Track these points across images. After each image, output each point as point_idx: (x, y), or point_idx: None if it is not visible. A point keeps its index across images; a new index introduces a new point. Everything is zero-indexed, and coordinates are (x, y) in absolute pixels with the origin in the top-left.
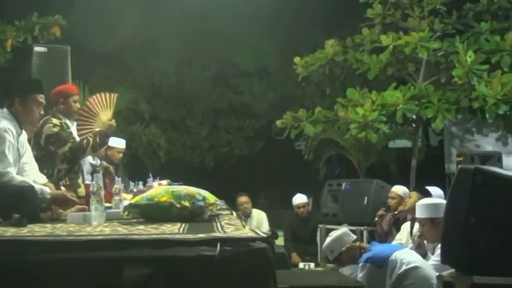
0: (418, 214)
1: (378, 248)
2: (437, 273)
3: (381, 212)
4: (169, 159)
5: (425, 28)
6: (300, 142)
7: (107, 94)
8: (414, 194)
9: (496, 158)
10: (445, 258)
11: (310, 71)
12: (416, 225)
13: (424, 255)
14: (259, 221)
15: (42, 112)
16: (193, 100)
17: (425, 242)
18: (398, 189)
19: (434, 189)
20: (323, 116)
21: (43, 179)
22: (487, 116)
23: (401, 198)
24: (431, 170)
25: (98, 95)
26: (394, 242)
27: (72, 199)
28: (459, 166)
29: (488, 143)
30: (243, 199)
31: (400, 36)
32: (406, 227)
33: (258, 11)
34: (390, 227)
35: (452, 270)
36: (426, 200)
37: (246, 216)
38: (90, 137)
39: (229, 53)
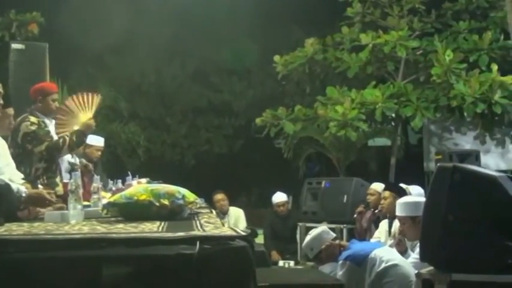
0: (398, 212)
1: (357, 246)
2: (417, 271)
3: (360, 208)
4: (148, 158)
5: (404, 27)
6: (280, 140)
7: (90, 94)
8: (388, 194)
9: (474, 156)
10: (424, 256)
11: (290, 70)
12: (396, 223)
13: (404, 252)
14: (237, 219)
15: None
16: (173, 98)
17: (405, 239)
18: (377, 186)
19: (414, 188)
20: (303, 114)
21: (20, 177)
22: (465, 114)
23: (380, 195)
24: (411, 168)
25: (80, 94)
26: (372, 240)
27: (49, 198)
28: (438, 164)
29: (466, 142)
30: (219, 196)
31: (379, 35)
32: (384, 224)
33: (238, 8)
34: (369, 224)
35: (431, 267)
36: (406, 198)
37: (223, 214)
38: (67, 136)
39: (209, 51)
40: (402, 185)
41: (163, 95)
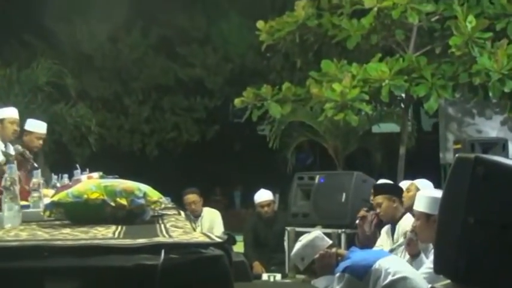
0: (416, 205)
1: (358, 255)
2: (430, 285)
3: (362, 212)
4: (101, 147)
5: None
6: (264, 126)
7: None
8: (381, 199)
9: (500, 146)
10: (439, 267)
11: (276, 39)
12: (400, 227)
13: (416, 256)
14: (212, 222)
15: None
16: (132, 73)
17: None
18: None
19: (422, 182)
20: (292, 93)
21: None
22: (491, 94)
23: None
24: (424, 160)
25: None
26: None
27: None
28: (456, 155)
29: (491, 128)
30: (192, 197)
31: None
32: (386, 230)
33: None
34: (374, 230)
35: (448, 281)
36: (428, 192)
37: (195, 217)
38: None
39: (176, 15)
40: (404, 182)
41: (119, 69)
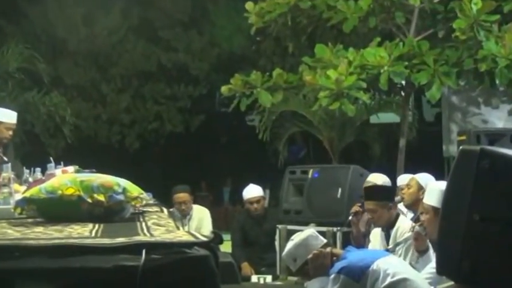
0: (425, 199)
1: (355, 255)
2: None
3: (355, 208)
4: (77, 138)
5: None
6: (253, 116)
7: None
8: (373, 206)
9: (508, 137)
10: (442, 267)
11: (267, 21)
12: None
13: (424, 252)
14: (200, 221)
15: None
16: (110, 59)
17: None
18: (377, 178)
19: (424, 177)
20: (283, 81)
21: None
22: (498, 82)
23: None
24: (426, 153)
25: None
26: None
27: None
28: (461, 147)
29: (498, 118)
30: (182, 196)
31: None
32: (376, 234)
33: None
34: (368, 227)
35: (451, 283)
36: (438, 184)
37: (183, 216)
38: None
39: None
40: (403, 176)
41: (97, 54)
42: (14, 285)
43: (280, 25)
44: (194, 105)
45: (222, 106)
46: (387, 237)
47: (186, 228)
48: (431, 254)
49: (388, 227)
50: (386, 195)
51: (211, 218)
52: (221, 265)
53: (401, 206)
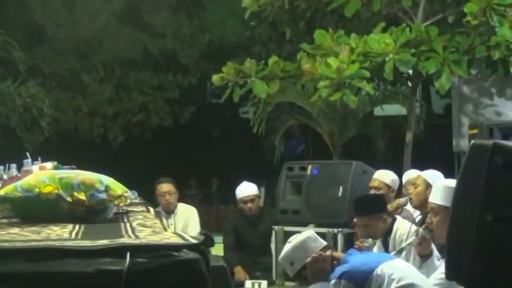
0: (432, 198)
1: (357, 259)
2: None
3: None
4: (56, 132)
5: None
6: (247, 108)
7: None
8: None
9: None
10: (452, 273)
11: (262, 5)
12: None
13: (427, 257)
14: (187, 220)
15: None
16: (91, 46)
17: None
18: (385, 176)
19: (432, 174)
20: (280, 69)
21: None
22: None
23: (389, 189)
24: (434, 148)
25: None
26: None
27: None
28: (472, 142)
29: None
30: (166, 187)
31: None
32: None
33: None
34: None
35: None
36: (448, 182)
37: (168, 213)
38: None
39: None
40: (409, 171)
41: (77, 41)
42: None
43: (277, 9)
44: (183, 96)
45: (214, 97)
46: (385, 243)
47: (171, 228)
48: (435, 259)
49: (385, 234)
50: (378, 205)
51: (202, 218)
52: (212, 269)
53: (409, 207)
